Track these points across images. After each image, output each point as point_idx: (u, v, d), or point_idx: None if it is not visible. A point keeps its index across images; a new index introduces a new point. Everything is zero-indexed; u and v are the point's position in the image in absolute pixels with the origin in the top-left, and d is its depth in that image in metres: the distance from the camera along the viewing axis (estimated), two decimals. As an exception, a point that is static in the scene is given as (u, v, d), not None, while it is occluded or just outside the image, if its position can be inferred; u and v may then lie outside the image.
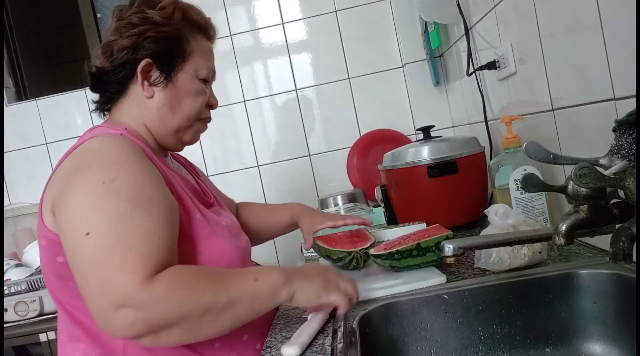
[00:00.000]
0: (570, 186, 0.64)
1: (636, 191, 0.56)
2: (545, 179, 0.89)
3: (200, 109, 0.99)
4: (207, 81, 1.00)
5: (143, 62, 0.92)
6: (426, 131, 1.37)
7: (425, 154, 1.28)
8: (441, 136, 1.38)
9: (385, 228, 1.25)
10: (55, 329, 1.49)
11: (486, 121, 1.38)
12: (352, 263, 1.06)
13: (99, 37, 2.35)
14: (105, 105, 0.99)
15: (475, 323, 0.84)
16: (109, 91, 0.96)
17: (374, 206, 1.55)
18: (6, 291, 1.56)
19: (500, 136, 1.20)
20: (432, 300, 0.85)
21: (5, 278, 1.64)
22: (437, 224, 1.09)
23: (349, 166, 1.99)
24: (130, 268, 0.69)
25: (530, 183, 0.68)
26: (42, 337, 1.52)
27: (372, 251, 1.00)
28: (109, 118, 1.00)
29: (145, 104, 0.94)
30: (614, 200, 0.65)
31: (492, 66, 1.27)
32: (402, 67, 2.03)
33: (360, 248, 1.06)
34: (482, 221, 1.31)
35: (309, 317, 0.81)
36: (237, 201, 1.33)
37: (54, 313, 1.54)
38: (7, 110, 2.12)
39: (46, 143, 2.11)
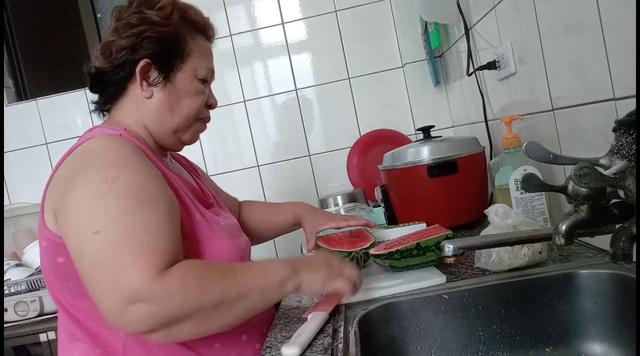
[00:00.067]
0: (570, 186, 0.64)
1: (636, 191, 0.56)
2: (545, 179, 0.89)
3: (199, 109, 0.98)
4: (206, 80, 1.00)
5: (142, 63, 0.92)
6: (426, 131, 1.37)
7: (425, 154, 1.28)
8: (441, 136, 1.38)
9: (385, 228, 1.25)
10: (55, 329, 1.49)
11: (486, 121, 1.38)
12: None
13: (98, 37, 2.35)
14: (104, 105, 0.99)
15: (475, 323, 0.84)
16: (108, 91, 0.96)
17: (374, 206, 1.54)
18: (6, 291, 1.56)
19: (500, 136, 1.20)
20: (432, 300, 0.85)
21: (5, 278, 1.64)
22: (437, 225, 1.09)
23: (349, 166, 1.99)
24: (141, 264, 0.70)
25: (530, 183, 0.68)
26: (42, 337, 1.52)
27: (372, 251, 1.00)
28: (108, 118, 1.00)
29: (144, 104, 0.94)
30: (614, 200, 0.65)
31: (492, 66, 1.27)
32: (402, 67, 2.03)
33: (360, 248, 1.06)
34: (482, 221, 1.31)
35: (309, 317, 0.81)
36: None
37: (54, 313, 1.54)
38: (7, 110, 2.12)
39: (46, 143, 2.11)
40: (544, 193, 1.04)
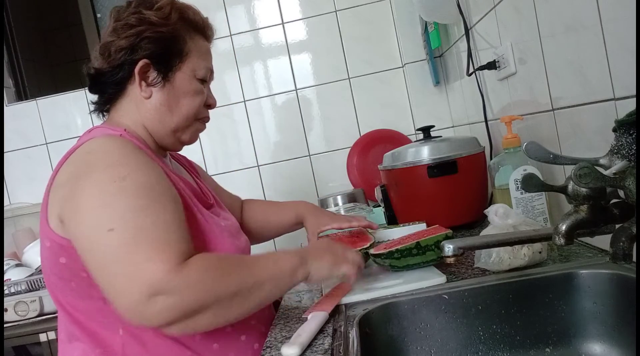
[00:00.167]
0: (570, 186, 0.64)
1: (636, 191, 0.56)
2: (545, 179, 0.89)
3: (199, 109, 0.99)
4: (205, 80, 1.00)
5: (140, 63, 0.92)
6: (426, 131, 1.37)
7: (425, 154, 1.28)
8: (441, 136, 1.38)
9: (385, 228, 1.25)
10: (55, 329, 1.49)
11: (486, 121, 1.38)
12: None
13: (98, 37, 2.34)
14: (104, 106, 0.99)
15: (475, 323, 0.84)
16: (107, 91, 0.96)
17: (374, 206, 1.54)
18: (6, 291, 1.56)
19: (500, 136, 1.20)
20: (432, 300, 0.85)
21: (5, 278, 1.64)
22: (437, 225, 1.09)
23: (349, 166, 1.99)
24: (160, 257, 0.71)
25: (530, 183, 0.68)
26: (42, 337, 1.52)
27: (372, 251, 1.00)
28: (107, 119, 1.00)
29: (143, 105, 0.94)
30: (614, 200, 0.65)
31: (492, 66, 1.27)
32: (402, 67, 2.03)
33: (360, 248, 1.06)
34: (482, 221, 1.31)
35: (309, 317, 0.81)
36: (239, 200, 1.33)
37: (54, 313, 1.54)
38: (7, 110, 2.11)
39: (46, 143, 2.11)
40: (544, 193, 1.04)
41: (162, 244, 0.73)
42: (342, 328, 0.78)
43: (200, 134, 1.06)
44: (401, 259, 0.96)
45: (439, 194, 1.28)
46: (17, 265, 1.74)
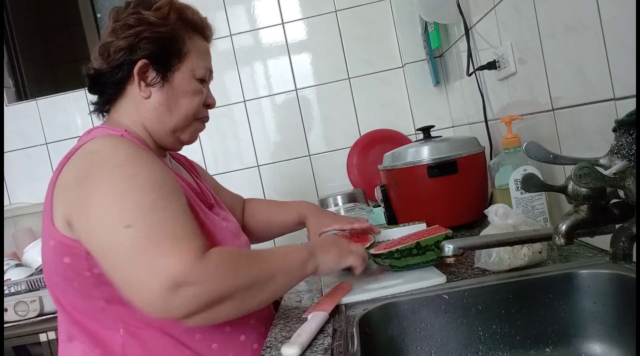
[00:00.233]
0: (570, 186, 0.64)
1: (636, 191, 0.56)
2: (545, 179, 0.89)
3: (198, 109, 0.99)
4: (204, 80, 1.00)
5: (139, 63, 0.92)
6: (426, 131, 1.37)
7: (425, 154, 1.28)
8: (441, 136, 1.38)
9: (385, 228, 1.25)
10: (55, 329, 1.49)
11: (486, 121, 1.38)
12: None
13: (98, 37, 2.32)
14: (103, 106, 0.99)
15: (475, 323, 0.84)
16: (107, 92, 0.97)
17: (374, 206, 1.54)
18: (6, 291, 1.56)
19: (500, 136, 1.20)
20: (432, 300, 0.85)
21: (5, 278, 1.64)
22: (437, 225, 1.09)
23: (349, 166, 1.99)
24: (181, 250, 0.73)
25: (530, 183, 0.68)
26: (42, 337, 1.52)
27: (372, 251, 1.00)
28: (107, 119, 1.00)
29: (142, 105, 0.95)
30: (614, 200, 0.65)
31: (492, 66, 1.27)
32: (402, 67, 2.03)
33: (360, 248, 1.06)
34: (482, 221, 1.31)
35: (309, 317, 0.81)
36: (240, 199, 1.34)
37: (54, 313, 1.54)
38: (7, 110, 2.11)
39: (46, 143, 2.11)
40: (544, 193, 1.04)
41: (181, 238, 0.74)
42: (342, 328, 0.78)
43: (200, 134, 1.06)
44: (401, 259, 0.96)
45: (439, 194, 1.28)
46: (17, 265, 1.74)
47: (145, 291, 0.72)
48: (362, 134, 2.03)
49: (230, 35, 2.06)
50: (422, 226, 1.20)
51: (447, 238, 0.98)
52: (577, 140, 0.93)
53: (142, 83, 0.93)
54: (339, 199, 1.70)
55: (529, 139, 0.71)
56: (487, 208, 0.93)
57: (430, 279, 0.90)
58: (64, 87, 2.16)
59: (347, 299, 0.89)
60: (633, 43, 0.68)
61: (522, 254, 0.87)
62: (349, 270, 0.95)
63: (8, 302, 1.53)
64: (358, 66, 2.05)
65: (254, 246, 1.15)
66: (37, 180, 2.08)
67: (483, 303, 0.84)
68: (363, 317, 0.81)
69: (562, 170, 1.01)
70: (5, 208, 2.03)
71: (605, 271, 0.80)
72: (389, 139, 1.96)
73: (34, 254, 1.77)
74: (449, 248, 0.75)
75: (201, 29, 1.00)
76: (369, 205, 1.62)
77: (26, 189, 2.10)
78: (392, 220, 1.41)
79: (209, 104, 1.02)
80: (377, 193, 1.46)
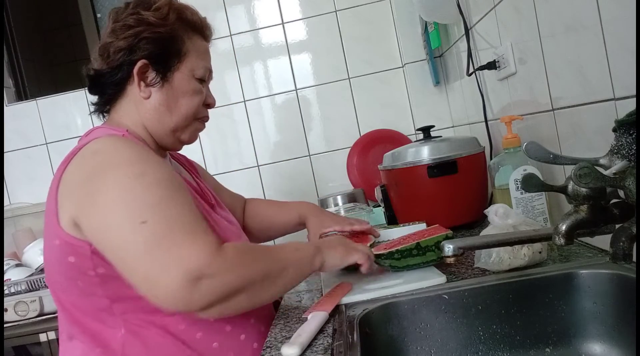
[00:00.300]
0: (570, 186, 0.64)
1: (636, 191, 0.56)
2: (545, 179, 0.89)
3: (198, 109, 0.99)
4: (204, 80, 1.00)
5: (139, 63, 0.92)
6: (426, 131, 1.37)
7: (425, 154, 1.28)
8: (441, 136, 1.38)
9: (385, 228, 1.25)
10: (55, 329, 1.49)
11: (486, 121, 1.38)
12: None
13: (98, 37, 2.33)
14: (103, 107, 1.00)
15: (475, 323, 0.84)
16: (107, 92, 0.97)
17: (374, 206, 1.54)
18: (6, 291, 1.56)
19: (500, 136, 1.20)
20: (432, 300, 0.85)
21: (5, 278, 1.64)
22: (437, 225, 1.09)
23: (349, 166, 1.99)
24: (199, 243, 0.74)
25: (530, 183, 0.68)
26: (42, 337, 1.52)
27: (372, 251, 1.00)
28: (108, 119, 1.00)
29: (142, 105, 0.95)
30: (614, 200, 0.65)
31: (492, 66, 1.27)
32: (402, 67, 2.03)
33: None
34: (482, 221, 1.31)
35: (309, 317, 0.81)
36: (240, 200, 1.34)
37: (54, 313, 1.54)
38: (7, 110, 2.11)
39: (46, 143, 2.11)
40: (544, 193, 1.04)
41: (197, 232, 0.76)
42: (342, 328, 0.78)
43: (200, 134, 1.06)
44: (401, 259, 0.96)
45: (439, 194, 1.28)
46: (17, 265, 1.74)
47: (165, 286, 0.72)
48: (362, 134, 2.03)
49: (230, 35, 2.06)
50: (422, 226, 1.19)
51: (447, 238, 0.97)
52: (577, 140, 0.93)
53: (142, 83, 0.94)
54: (339, 199, 1.70)
55: (529, 139, 0.71)
56: (487, 208, 0.93)
57: (430, 280, 0.90)
58: (64, 87, 2.16)
59: (347, 299, 0.89)
60: (633, 43, 0.68)
61: (522, 254, 0.87)
62: (354, 269, 0.95)
63: (8, 302, 1.53)
64: (358, 66, 2.05)
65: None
66: (37, 180, 2.08)
67: (483, 303, 0.84)
68: (363, 317, 0.81)
69: (562, 170, 1.01)
70: (5, 208, 2.03)
71: (605, 271, 0.80)
72: (389, 139, 1.96)
73: (34, 254, 1.77)
74: (449, 248, 0.75)
75: (200, 29, 1.00)
76: (369, 205, 1.61)
77: (26, 189, 2.10)
78: (392, 220, 1.41)
79: (208, 103, 1.02)
80: (377, 193, 1.46)
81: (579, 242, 0.96)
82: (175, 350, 0.86)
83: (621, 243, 0.57)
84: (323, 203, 1.70)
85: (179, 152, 1.11)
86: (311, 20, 2.05)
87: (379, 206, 1.47)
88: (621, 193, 0.61)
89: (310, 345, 0.74)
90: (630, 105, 0.73)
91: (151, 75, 0.94)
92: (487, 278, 0.88)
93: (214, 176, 1.31)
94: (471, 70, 1.39)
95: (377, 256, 0.98)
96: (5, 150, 2.08)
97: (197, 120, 1.01)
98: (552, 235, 0.64)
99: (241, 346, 0.91)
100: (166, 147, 1.01)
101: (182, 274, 0.71)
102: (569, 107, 0.93)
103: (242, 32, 2.07)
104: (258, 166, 2.08)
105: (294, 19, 2.05)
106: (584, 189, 0.62)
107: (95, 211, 0.78)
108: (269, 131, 2.09)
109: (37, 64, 2.63)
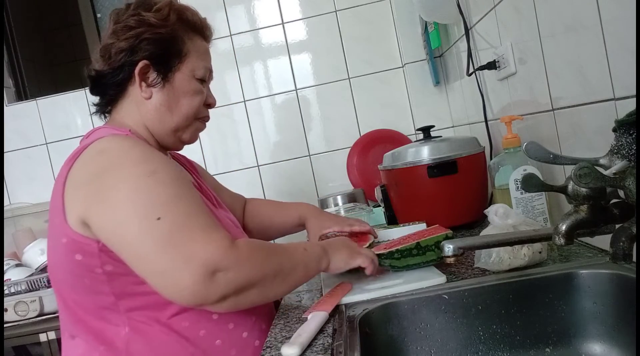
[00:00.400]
0: (570, 186, 0.64)
1: (636, 191, 0.56)
2: (545, 179, 0.89)
3: (198, 109, 1.00)
4: (204, 80, 1.01)
5: (140, 64, 0.93)
6: (426, 131, 1.37)
7: (425, 154, 1.28)
8: (441, 136, 1.38)
9: (385, 228, 1.25)
10: (55, 329, 1.49)
11: (486, 121, 1.38)
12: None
13: (98, 37, 2.35)
14: (105, 107, 1.01)
15: (475, 323, 0.84)
16: (108, 93, 0.98)
17: (374, 206, 1.54)
18: (6, 291, 1.56)
19: (500, 136, 1.20)
20: (432, 300, 0.85)
21: (5, 278, 1.64)
22: (437, 225, 1.09)
23: (349, 166, 1.99)
24: (214, 237, 0.76)
25: (530, 183, 0.68)
26: (42, 337, 1.52)
27: (372, 251, 1.00)
28: (109, 120, 1.01)
29: (144, 105, 0.96)
30: (614, 200, 0.65)
31: (492, 66, 1.27)
32: (402, 67, 2.03)
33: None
34: (482, 221, 1.31)
35: (309, 317, 0.81)
36: (240, 200, 1.34)
37: (54, 313, 1.54)
38: (7, 110, 2.11)
39: (46, 143, 2.11)
40: (544, 193, 1.04)
41: (210, 228, 0.78)
42: (342, 328, 0.78)
43: (200, 134, 1.07)
44: (401, 259, 0.96)
45: (439, 194, 1.28)
46: (17, 265, 1.74)
47: (181, 280, 0.74)
48: (362, 134, 2.03)
49: (230, 35, 2.06)
50: (422, 226, 1.20)
51: (447, 238, 0.97)
52: (577, 140, 0.93)
53: (143, 84, 0.95)
54: (339, 199, 1.70)
55: (529, 139, 0.71)
56: (487, 208, 0.93)
57: (430, 279, 0.90)
58: (64, 87, 2.16)
59: (347, 299, 0.89)
60: (633, 43, 0.68)
61: (522, 254, 0.87)
62: (355, 269, 0.95)
63: (8, 302, 1.53)
64: (358, 66, 2.05)
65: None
66: (37, 180, 2.08)
67: (483, 303, 0.84)
68: (363, 317, 0.81)
69: (562, 170, 1.01)
70: (5, 208, 2.03)
71: (605, 271, 0.80)
72: (389, 139, 1.96)
73: (34, 254, 1.77)
74: (449, 248, 0.75)
75: (201, 30, 1.01)
76: (369, 205, 1.61)
77: (26, 189, 2.10)
78: (392, 220, 1.41)
79: (209, 103, 1.04)
80: (377, 193, 1.46)
81: (579, 242, 0.96)
82: (179, 347, 0.86)
83: (621, 243, 0.57)
84: (323, 203, 1.70)
85: (179, 152, 1.12)
86: (311, 20, 2.05)
87: (379, 206, 1.47)
88: (621, 193, 0.61)
89: (310, 345, 0.74)
90: (630, 105, 0.73)
91: (152, 75, 0.95)
92: (487, 278, 0.88)
93: (214, 176, 1.31)
94: (471, 70, 1.39)
95: (377, 256, 0.98)
96: (5, 150, 2.08)
97: (197, 120, 1.02)
98: (552, 235, 0.64)
99: (243, 343, 0.91)
100: (167, 147, 1.02)
101: (199, 268, 0.73)
102: (569, 107, 0.93)
103: (242, 32, 2.07)
104: (258, 166, 2.08)
105: (294, 19, 2.06)
106: (584, 189, 0.62)
107: (107, 208, 0.79)
108: (269, 131, 2.09)
109: (37, 64, 2.64)
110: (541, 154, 0.68)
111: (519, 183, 1.04)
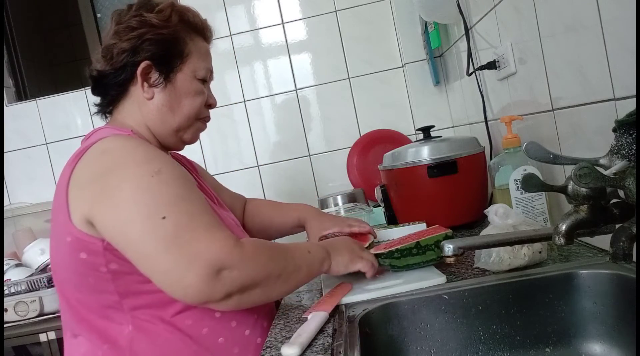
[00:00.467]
0: (570, 186, 0.64)
1: (636, 191, 0.56)
2: (545, 179, 0.89)
3: (200, 109, 1.01)
4: (205, 81, 1.03)
5: (142, 65, 0.94)
6: (426, 131, 1.37)
7: (425, 154, 1.28)
8: (441, 136, 1.38)
9: (385, 228, 1.25)
10: (55, 329, 1.50)
11: (486, 121, 1.38)
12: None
13: (98, 37, 2.35)
14: (106, 107, 1.01)
15: (475, 323, 0.84)
16: (110, 93, 0.99)
17: (374, 206, 1.54)
18: (6, 291, 1.56)
19: (500, 136, 1.20)
20: (432, 300, 0.85)
21: (5, 278, 1.64)
22: (437, 225, 1.09)
23: (349, 166, 1.99)
24: (218, 236, 0.77)
25: (530, 183, 0.68)
26: (42, 337, 1.52)
27: (371, 251, 1.00)
28: (111, 120, 1.02)
29: (145, 105, 0.97)
30: (614, 200, 0.65)
31: (492, 66, 1.27)
32: (402, 67, 2.03)
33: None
34: (482, 221, 1.31)
35: (309, 317, 0.81)
36: (240, 200, 1.34)
37: (54, 313, 1.54)
38: (7, 110, 2.11)
39: (46, 143, 2.11)
40: (544, 193, 1.04)
41: (214, 227, 0.79)
42: (342, 328, 0.78)
43: (200, 134, 1.07)
44: (401, 259, 0.96)
45: (439, 194, 1.28)
46: (17, 265, 1.74)
47: (187, 278, 0.74)
48: (362, 134, 2.03)
49: (230, 35, 2.06)
50: (422, 226, 1.20)
51: (447, 237, 0.98)
52: (577, 140, 0.93)
53: (145, 84, 0.96)
54: (339, 199, 1.70)
55: (529, 139, 0.71)
56: (487, 208, 0.93)
57: (430, 279, 0.90)
58: (64, 87, 2.16)
59: (347, 299, 0.89)
60: (633, 43, 0.68)
61: (522, 254, 0.87)
62: (357, 271, 0.96)
63: (8, 302, 1.53)
64: (358, 66, 2.05)
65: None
66: (37, 180, 2.08)
67: (483, 303, 0.84)
68: (363, 317, 0.81)
69: (562, 170, 1.01)
70: (5, 208, 2.03)
71: (605, 271, 0.80)
72: (389, 139, 1.96)
73: (34, 254, 1.77)
74: (449, 248, 0.75)
75: (202, 31, 1.03)
76: (369, 205, 1.61)
77: (26, 189, 2.10)
78: (392, 220, 1.41)
79: (210, 104, 1.05)
80: (377, 193, 1.46)
81: (579, 242, 0.96)
82: (182, 345, 0.87)
83: (621, 243, 0.57)
84: (323, 203, 1.70)
85: (180, 152, 1.12)
86: (311, 20, 2.05)
87: (379, 206, 1.47)
88: (621, 193, 0.61)
89: (310, 345, 0.74)
90: (630, 105, 0.73)
91: (154, 76, 0.96)
92: (487, 278, 0.88)
93: (214, 176, 1.32)
94: (471, 70, 1.39)
95: (377, 255, 0.98)
96: (5, 150, 2.09)
97: (199, 120, 1.03)
98: (552, 235, 0.64)
99: (245, 341, 0.92)
100: (169, 147, 1.03)
101: (203, 267, 0.74)
102: (569, 107, 0.93)
103: (242, 32, 2.07)
104: (258, 166, 2.08)
105: (294, 19, 2.06)
106: (584, 189, 0.62)
107: (111, 207, 0.80)
108: (269, 131, 2.09)
109: (37, 64, 2.64)
110: (541, 154, 0.68)
111: (519, 183, 1.04)
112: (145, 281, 0.82)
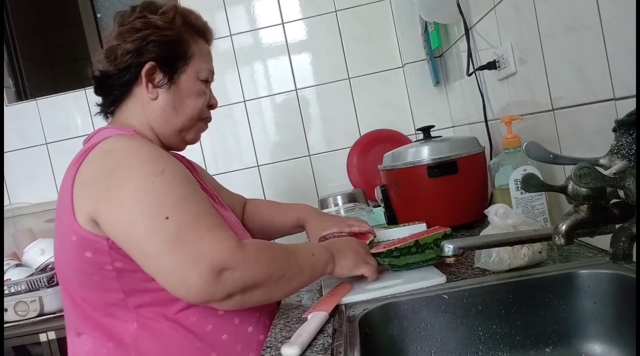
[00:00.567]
0: (570, 186, 0.64)
1: (636, 191, 0.56)
2: (545, 179, 0.89)
3: (202, 109, 1.03)
4: (208, 81, 1.04)
5: (147, 65, 0.95)
6: (426, 131, 1.37)
7: (425, 154, 1.28)
8: (441, 136, 1.38)
9: (385, 228, 1.25)
10: (55, 329, 1.50)
11: (486, 121, 1.38)
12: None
13: (99, 37, 2.35)
14: (109, 108, 1.02)
15: (475, 323, 0.84)
16: (113, 93, 1.00)
17: (374, 206, 1.54)
18: (6, 291, 1.56)
19: (500, 136, 1.20)
20: (432, 300, 0.85)
21: (5, 278, 1.64)
22: (437, 226, 1.09)
23: (349, 166, 1.99)
24: (221, 236, 0.78)
25: (530, 183, 0.68)
26: (42, 337, 1.52)
27: (371, 251, 1.00)
28: (113, 120, 1.03)
29: (149, 106, 0.98)
30: (614, 200, 0.65)
31: (492, 66, 1.27)
32: (402, 67, 2.03)
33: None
34: (482, 221, 1.31)
35: (309, 317, 0.81)
36: (240, 200, 1.34)
37: (54, 313, 1.54)
38: (7, 110, 2.11)
39: (46, 143, 2.11)
40: (544, 193, 1.04)
41: (217, 227, 0.79)
42: (342, 328, 0.78)
43: (201, 133, 1.07)
44: (400, 257, 0.96)
45: (439, 194, 1.28)
46: (17, 265, 1.74)
47: (189, 278, 0.75)
48: (362, 134, 2.03)
49: (230, 35, 2.06)
50: (422, 226, 1.20)
51: (445, 236, 0.98)
52: (577, 140, 0.93)
53: (150, 84, 0.97)
54: (339, 199, 1.70)
55: (529, 139, 0.71)
56: (487, 208, 0.93)
57: (430, 279, 0.90)
58: (64, 87, 2.16)
59: (347, 299, 0.89)
60: (633, 43, 0.68)
61: (522, 254, 0.87)
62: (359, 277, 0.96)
63: (8, 302, 1.53)
64: (358, 66, 2.05)
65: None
66: (37, 180, 2.08)
67: (483, 303, 0.84)
68: (363, 317, 0.81)
69: (562, 170, 1.01)
70: (5, 208, 2.03)
71: (605, 271, 0.80)
72: (389, 139, 1.96)
73: (34, 254, 1.77)
74: (449, 248, 0.75)
75: (204, 33, 1.04)
76: (369, 205, 1.61)
77: (26, 189, 2.10)
78: (392, 220, 1.41)
79: (211, 104, 1.06)
80: (377, 193, 1.46)
81: (579, 242, 0.96)
82: (186, 342, 0.87)
83: (621, 243, 0.57)
84: (323, 203, 1.70)
85: (180, 153, 1.12)
86: (311, 20, 2.05)
87: (379, 206, 1.47)
88: (621, 193, 0.61)
89: (310, 345, 0.74)
90: (630, 105, 0.73)
91: (158, 77, 0.97)
92: (487, 278, 0.88)
93: (214, 176, 1.32)
94: (471, 70, 1.39)
95: (377, 255, 0.98)
96: (5, 150, 2.09)
97: (201, 120, 1.04)
98: (552, 235, 0.64)
99: (249, 338, 0.93)
100: (171, 147, 1.04)
101: (206, 267, 0.75)
102: (569, 107, 0.93)
103: (242, 32, 2.07)
104: (258, 166, 2.08)
105: (294, 19, 2.05)
106: (584, 189, 0.62)
107: (115, 207, 0.80)
108: (269, 131, 2.09)
109: (37, 64, 2.63)
110: (541, 154, 0.68)
111: (519, 183, 1.04)
112: (149, 279, 0.83)
